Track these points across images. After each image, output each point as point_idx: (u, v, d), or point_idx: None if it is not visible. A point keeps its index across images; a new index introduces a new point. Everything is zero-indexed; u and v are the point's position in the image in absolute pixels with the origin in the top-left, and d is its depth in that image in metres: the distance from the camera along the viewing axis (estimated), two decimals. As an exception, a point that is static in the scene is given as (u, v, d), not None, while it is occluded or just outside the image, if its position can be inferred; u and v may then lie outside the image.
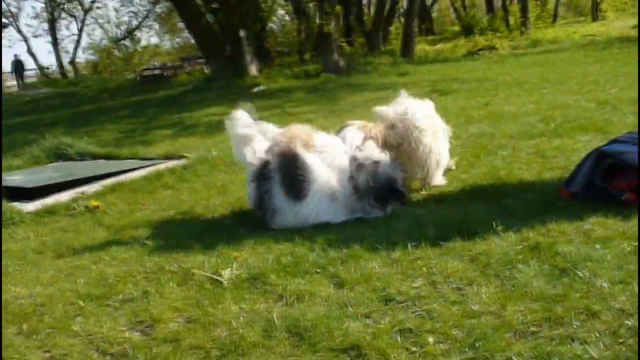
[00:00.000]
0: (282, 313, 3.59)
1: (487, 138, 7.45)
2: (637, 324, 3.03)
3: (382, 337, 3.17)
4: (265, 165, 5.20)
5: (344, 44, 23.91)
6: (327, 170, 5.21)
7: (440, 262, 4.03)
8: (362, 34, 28.51)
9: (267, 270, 4.18)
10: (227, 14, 19.70)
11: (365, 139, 5.58)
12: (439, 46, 29.51)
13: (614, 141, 5.11)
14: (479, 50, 23.40)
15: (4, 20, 37.30)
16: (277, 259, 4.38)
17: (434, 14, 47.04)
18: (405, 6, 29.76)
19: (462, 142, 7.26)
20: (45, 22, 43.30)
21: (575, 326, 3.08)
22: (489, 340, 3.03)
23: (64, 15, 43.90)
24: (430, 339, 3.12)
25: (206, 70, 25.78)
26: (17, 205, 6.60)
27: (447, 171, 6.15)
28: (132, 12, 39.83)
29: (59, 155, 9.95)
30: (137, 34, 40.29)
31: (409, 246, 4.33)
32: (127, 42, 39.94)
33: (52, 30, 43.66)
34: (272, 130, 5.58)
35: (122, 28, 41.55)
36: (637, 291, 3.33)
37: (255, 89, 18.06)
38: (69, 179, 7.71)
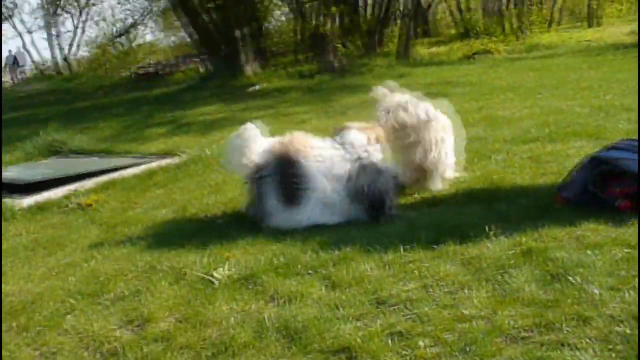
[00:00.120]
0: (274, 314, 3.59)
1: (481, 142, 7.45)
2: (627, 330, 3.04)
3: (373, 339, 3.18)
4: (261, 167, 5.17)
5: (339, 45, 23.89)
6: (325, 179, 5.15)
7: (432, 265, 4.04)
8: (358, 36, 28.50)
9: (259, 271, 4.19)
10: (224, 14, 19.68)
11: (369, 140, 5.52)
12: (435, 49, 29.48)
13: (611, 147, 5.12)
14: (475, 53, 23.38)
15: (4, 10, 37.13)
16: (269, 260, 4.38)
17: (431, 17, 47.04)
18: (402, 8, 29.77)
19: (456, 146, 7.25)
20: (41, 18, 43.20)
21: (566, 332, 3.09)
22: (480, 345, 3.04)
23: (59, 11, 43.79)
24: (421, 343, 3.13)
25: (201, 69, 25.73)
26: (9, 201, 6.58)
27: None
28: (128, 9, 39.77)
29: (53, 151, 9.94)
30: (133, 31, 40.20)
31: (402, 249, 4.33)
32: (123, 40, 39.86)
33: (48, 26, 43.54)
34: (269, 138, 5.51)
35: (118, 25, 41.47)
36: (628, 298, 3.35)
37: (250, 89, 18.04)
38: (62, 175, 7.69)
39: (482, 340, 3.07)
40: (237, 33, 20.16)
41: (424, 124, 5.65)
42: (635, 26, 29.20)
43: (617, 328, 3.07)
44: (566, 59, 19.22)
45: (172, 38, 44.23)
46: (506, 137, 7.63)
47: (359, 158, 5.21)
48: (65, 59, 43.85)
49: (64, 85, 31.36)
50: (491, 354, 2.98)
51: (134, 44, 40.52)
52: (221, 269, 4.25)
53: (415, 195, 5.71)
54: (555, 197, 5.03)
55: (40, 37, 71.03)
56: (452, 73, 18.01)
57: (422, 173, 5.84)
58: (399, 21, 28.98)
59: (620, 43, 22.28)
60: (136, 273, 4.46)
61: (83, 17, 43.66)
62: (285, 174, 5.07)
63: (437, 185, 5.82)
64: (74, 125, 13.75)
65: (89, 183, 7.38)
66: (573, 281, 3.60)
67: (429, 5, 44.22)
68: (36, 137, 10.40)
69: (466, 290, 3.66)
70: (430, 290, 3.72)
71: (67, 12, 42.92)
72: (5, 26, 42.81)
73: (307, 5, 23.50)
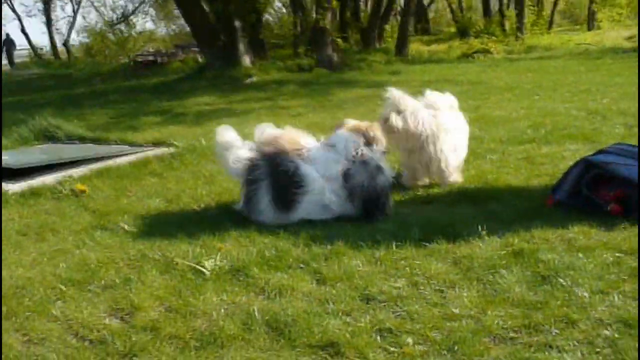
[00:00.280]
0: (263, 307, 3.59)
1: (476, 141, 7.44)
2: (614, 334, 3.05)
3: (361, 335, 3.18)
4: (253, 166, 5.12)
5: (338, 40, 23.87)
6: (320, 179, 5.09)
7: (423, 263, 4.05)
8: (357, 31, 28.49)
9: (250, 263, 4.19)
10: (224, 4, 19.64)
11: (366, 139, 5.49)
12: (433, 46, 29.52)
13: (601, 152, 5.14)
14: (474, 53, 23.38)
15: None
16: (260, 253, 4.38)
17: (431, 14, 47.04)
18: (402, 4, 29.74)
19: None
20: (40, 1, 43.04)
21: (553, 334, 3.11)
22: (468, 344, 3.05)
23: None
24: (409, 340, 3.13)
25: (200, 59, 25.69)
26: (2, 185, 6.56)
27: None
28: (128, -4, 39.69)
29: (48, 136, 9.90)
30: (133, 18, 40.12)
31: (393, 246, 4.34)
32: (122, 27, 39.75)
33: (47, 10, 43.42)
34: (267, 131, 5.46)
35: (117, 12, 41.36)
36: (616, 301, 3.37)
37: (248, 80, 18.02)
38: (57, 161, 7.67)
39: (470, 340, 3.08)
40: (237, 24, 20.12)
41: (431, 135, 5.64)
42: (634, 31, 29.29)
43: (604, 331, 3.09)
44: (564, 61, 19.26)
45: (172, 26, 44.21)
46: (502, 137, 7.64)
47: (354, 156, 5.18)
48: (64, 44, 43.75)
49: (61, 71, 31.32)
50: (478, 353, 2.99)
51: (133, 32, 40.42)
52: (212, 259, 4.25)
53: (409, 193, 5.71)
54: (548, 199, 5.04)
55: (39, 21, 70.84)
56: (450, 71, 18.03)
57: (425, 174, 5.86)
58: (398, 17, 29.00)
59: (619, 47, 22.32)
60: (127, 261, 4.46)
61: (83, 3, 43.55)
62: (278, 177, 5.03)
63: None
64: (70, 111, 13.73)
65: (83, 169, 7.36)
66: (563, 283, 3.62)
67: (430, 3, 44.24)
68: (32, 121, 10.36)
69: (456, 289, 3.67)
70: (420, 288, 3.73)
71: (66, -3, 42.80)
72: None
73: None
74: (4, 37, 42.10)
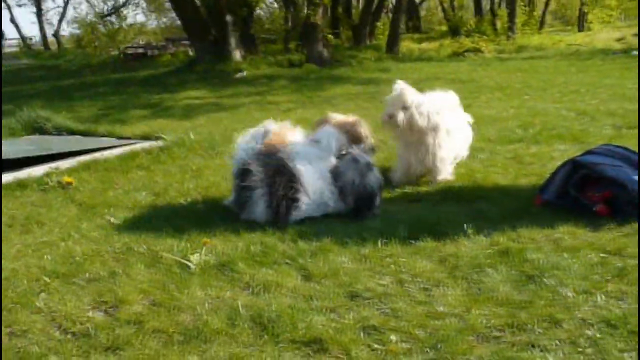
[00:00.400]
0: (248, 302, 3.58)
1: (465, 140, 7.46)
2: (597, 334, 3.06)
3: (345, 332, 3.18)
4: (247, 170, 4.94)
5: (329, 36, 23.85)
6: (316, 181, 5.03)
7: (409, 261, 4.05)
8: (348, 27, 28.48)
9: (236, 258, 4.18)
10: (216, -3, 19.62)
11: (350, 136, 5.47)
12: (424, 45, 29.53)
13: (589, 152, 5.15)
14: (465, 51, 23.43)
15: None
16: (246, 247, 4.37)
17: (422, 12, 47.06)
18: (393, 2, 29.74)
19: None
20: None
21: (537, 333, 3.11)
22: (452, 343, 3.05)
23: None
24: (393, 337, 3.13)
25: (190, 53, 25.63)
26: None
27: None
28: (120, -13, 39.47)
29: (36, 128, 9.87)
30: (124, 10, 39.91)
31: (380, 243, 4.34)
32: (112, 19, 39.57)
33: (37, 0, 43.22)
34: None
35: (108, 4, 41.15)
36: (599, 302, 3.38)
37: (238, 75, 18.00)
38: (44, 153, 7.64)
39: (454, 338, 3.08)
40: (228, 18, 20.08)
41: (431, 128, 5.65)
42: (624, 32, 29.39)
43: (587, 331, 3.10)
44: (555, 61, 19.31)
45: (163, 19, 44.06)
46: (491, 136, 7.65)
47: (342, 154, 5.18)
48: (54, 35, 43.56)
49: (51, 61, 31.21)
50: (462, 352, 2.99)
51: (124, 24, 40.23)
52: (198, 254, 4.24)
53: (397, 190, 5.71)
54: (536, 199, 5.05)
55: (29, 11, 70.48)
56: (441, 69, 18.06)
57: (419, 169, 5.87)
58: (390, 15, 29.00)
59: (609, 49, 22.39)
60: (113, 254, 4.44)
61: (73, -6, 43.33)
62: (275, 185, 4.89)
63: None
64: (59, 102, 13.69)
65: (70, 162, 7.33)
66: (548, 283, 3.62)
67: (421, 1, 44.25)
68: (20, 112, 10.32)
69: (441, 288, 3.68)
70: (406, 285, 3.73)
71: (57, -13, 42.55)
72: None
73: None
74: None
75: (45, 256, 4.43)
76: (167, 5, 33.46)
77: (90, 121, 10.77)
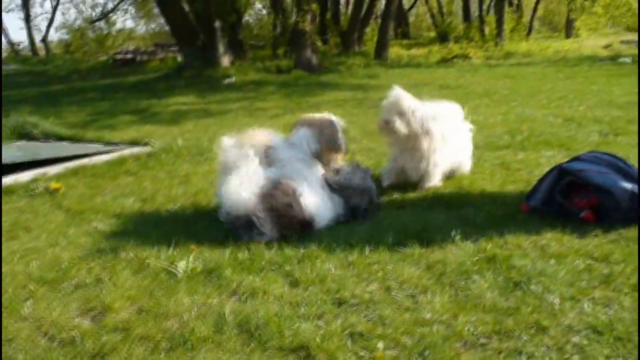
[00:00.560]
0: (234, 309, 3.58)
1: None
2: (583, 341, 3.07)
3: (332, 339, 3.18)
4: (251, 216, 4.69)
5: (318, 42, 23.87)
6: (319, 195, 5.01)
7: (396, 267, 4.05)
8: (337, 34, 28.52)
9: (223, 265, 4.17)
10: (204, 4, 19.60)
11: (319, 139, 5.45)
12: (413, 51, 29.60)
13: (576, 159, 5.17)
14: (453, 57, 23.51)
15: None
16: (233, 254, 4.36)
17: (411, 19, 47.16)
18: (382, 8, 29.80)
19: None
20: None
21: (524, 340, 3.12)
22: (439, 350, 3.06)
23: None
24: (380, 345, 3.13)
25: (179, 58, 25.60)
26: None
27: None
28: (108, -7, 39.38)
29: (23, 134, 9.82)
30: (113, 16, 39.83)
31: (367, 250, 4.34)
32: (101, 24, 39.48)
33: (26, 6, 43.09)
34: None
35: (97, 9, 41.07)
36: (586, 308, 3.39)
37: (226, 81, 18.00)
38: (32, 159, 7.61)
39: (441, 345, 3.09)
40: (217, 24, 20.09)
41: (424, 134, 5.66)
42: (611, 39, 29.55)
43: (573, 338, 3.11)
44: (542, 68, 19.40)
45: (152, 25, 43.97)
46: (478, 142, 7.65)
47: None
48: (43, 41, 43.42)
49: (39, 67, 31.11)
50: (449, 359, 3.00)
51: (112, 29, 40.16)
52: (185, 261, 4.23)
53: (384, 197, 5.71)
54: (522, 205, 5.06)
55: (17, 17, 70.28)
56: (429, 76, 18.11)
57: (411, 174, 5.88)
58: (379, 21, 29.05)
59: (596, 55, 22.51)
60: (99, 261, 4.42)
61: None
62: (285, 228, 4.72)
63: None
64: (47, 108, 13.65)
65: (58, 168, 7.31)
66: (534, 290, 3.63)
67: (410, 7, 44.34)
68: (7, 118, 10.27)
69: (428, 294, 3.68)
70: (393, 292, 3.73)
71: (45, -7, 42.51)
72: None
73: (289, 0, 23.45)
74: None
75: (31, 263, 4.41)
76: (156, 11, 33.36)
77: (79, 127, 10.74)
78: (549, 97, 12.16)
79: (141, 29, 44.81)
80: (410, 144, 5.73)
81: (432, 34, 38.79)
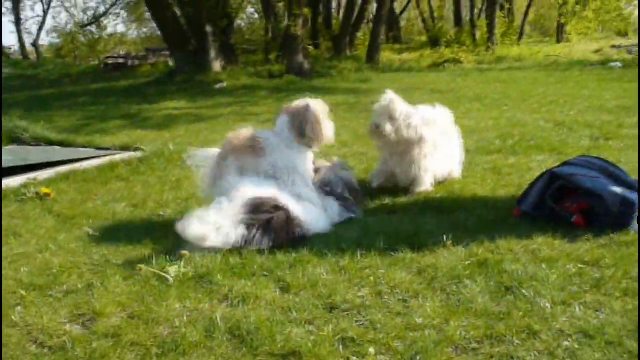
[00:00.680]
0: (226, 314, 3.57)
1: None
2: (574, 345, 3.07)
3: (323, 344, 3.17)
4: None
5: (310, 47, 23.90)
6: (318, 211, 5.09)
7: (387, 272, 4.04)
8: (329, 38, 28.56)
9: (214, 270, 4.16)
10: (195, 8, 19.60)
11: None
12: (404, 55, 29.64)
13: (567, 163, 5.18)
14: (444, 62, 23.56)
15: None
16: (225, 259, 4.35)
17: (403, 23, 47.22)
18: (373, 12, 29.86)
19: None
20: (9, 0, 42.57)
21: (515, 344, 3.12)
22: (430, 355, 3.05)
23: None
24: (372, 350, 3.13)
25: (171, 63, 25.60)
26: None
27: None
28: (100, -2, 39.39)
29: (14, 139, 9.79)
30: (104, 20, 39.84)
31: (358, 254, 4.33)
32: (93, 28, 39.48)
33: (16, 9, 42.97)
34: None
35: (88, 13, 41.06)
36: (577, 313, 3.40)
37: (218, 86, 17.99)
38: (22, 163, 7.59)
39: (432, 350, 3.09)
40: (208, 29, 20.09)
41: (418, 140, 5.67)
42: (602, 44, 29.66)
43: (565, 342, 3.11)
44: (534, 72, 19.45)
45: (144, 29, 43.99)
46: (469, 147, 7.66)
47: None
48: (33, 44, 43.32)
49: (30, 71, 31.01)
50: (440, 364, 3.00)
51: (104, 34, 40.16)
52: (176, 266, 4.22)
53: (375, 201, 5.71)
54: (514, 210, 5.07)
55: (7, 20, 70.10)
56: (421, 80, 18.14)
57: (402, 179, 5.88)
58: (371, 25, 29.09)
59: (587, 60, 22.58)
60: (90, 266, 4.41)
61: (53, 3, 43.12)
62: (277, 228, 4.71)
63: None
64: (37, 112, 13.61)
65: (48, 172, 7.28)
66: (526, 294, 3.63)
67: (401, 12, 44.40)
68: (-2, 123, 10.25)
69: (420, 299, 3.68)
70: (384, 297, 3.73)
71: (37, -4, 42.39)
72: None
73: (281, 5, 23.46)
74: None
75: (21, 268, 4.39)
76: (148, 15, 33.39)
77: (69, 131, 10.71)
78: (540, 101, 12.19)
79: (132, 33, 44.89)
80: (401, 149, 5.74)
81: (424, 38, 38.86)
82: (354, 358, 3.09)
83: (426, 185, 5.86)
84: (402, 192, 5.87)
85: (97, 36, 39.03)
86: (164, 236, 4.89)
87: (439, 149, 5.86)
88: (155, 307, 3.71)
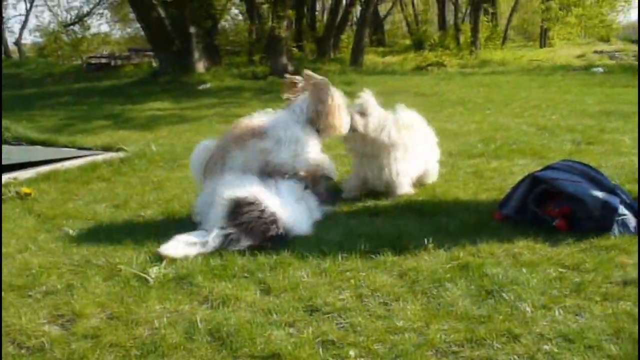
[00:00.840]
0: (206, 316, 3.55)
1: (427, 154, 7.49)
2: (554, 349, 3.08)
3: (303, 347, 3.16)
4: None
5: (294, 48, 23.90)
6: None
7: (369, 275, 4.04)
8: (313, 40, 28.57)
9: (195, 272, 4.14)
10: (179, 9, 19.56)
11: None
12: (388, 58, 29.69)
13: (549, 167, 5.19)
14: (428, 65, 23.62)
15: None
16: (205, 261, 4.33)
17: (387, 26, 47.27)
18: (358, 15, 29.92)
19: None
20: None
21: (495, 348, 3.12)
22: (410, 358, 3.05)
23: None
24: (352, 353, 3.12)
25: (154, 64, 25.53)
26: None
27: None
28: (83, -3, 39.16)
29: (-5, 138, 9.74)
30: (88, 20, 39.61)
31: (340, 257, 4.33)
32: (76, 28, 39.24)
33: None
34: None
35: (72, 13, 40.82)
36: (557, 316, 3.40)
37: (201, 87, 17.96)
38: (2, 163, 7.54)
39: (413, 353, 3.08)
40: (192, 30, 20.05)
41: (389, 144, 5.67)
42: (584, 49, 29.85)
43: (544, 346, 3.11)
44: (517, 76, 19.52)
45: (128, 30, 43.79)
46: (452, 150, 7.69)
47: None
48: (16, 43, 43.06)
49: (12, 70, 30.83)
50: (421, 367, 3.00)
51: (87, 33, 39.92)
52: (157, 267, 4.20)
53: (357, 204, 5.71)
54: (495, 214, 5.08)
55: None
56: (404, 83, 18.17)
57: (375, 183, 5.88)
58: (354, 28, 29.12)
59: (570, 65, 22.70)
60: (70, 267, 4.38)
61: (36, 2, 42.84)
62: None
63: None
64: (19, 111, 13.55)
65: (29, 172, 7.24)
66: (506, 298, 3.63)
67: (386, 15, 44.45)
68: (-22, 122, 10.18)
69: (400, 302, 3.67)
70: (365, 300, 3.72)
71: (19, -5, 42.19)
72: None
73: (265, 6, 23.44)
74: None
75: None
76: (132, 15, 33.26)
77: (51, 131, 10.67)
78: (522, 105, 12.24)
79: (116, 33, 44.63)
80: (369, 149, 5.72)
81: (408, 41, 38.88)
82: (334, 361, 3.08)
83: (404, 188, 5.85)
84: (384, 196, 5.86)
85: (80, 36, 38.80)
86: (145, 237, 4.87)
87: (412, 151, 5.86)
88: (135, 308, 3.69)
